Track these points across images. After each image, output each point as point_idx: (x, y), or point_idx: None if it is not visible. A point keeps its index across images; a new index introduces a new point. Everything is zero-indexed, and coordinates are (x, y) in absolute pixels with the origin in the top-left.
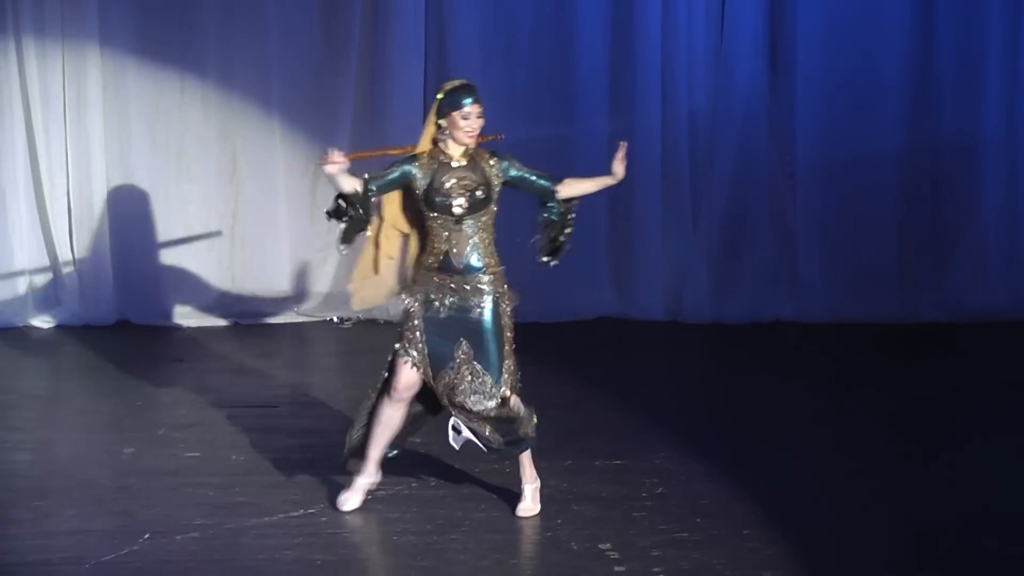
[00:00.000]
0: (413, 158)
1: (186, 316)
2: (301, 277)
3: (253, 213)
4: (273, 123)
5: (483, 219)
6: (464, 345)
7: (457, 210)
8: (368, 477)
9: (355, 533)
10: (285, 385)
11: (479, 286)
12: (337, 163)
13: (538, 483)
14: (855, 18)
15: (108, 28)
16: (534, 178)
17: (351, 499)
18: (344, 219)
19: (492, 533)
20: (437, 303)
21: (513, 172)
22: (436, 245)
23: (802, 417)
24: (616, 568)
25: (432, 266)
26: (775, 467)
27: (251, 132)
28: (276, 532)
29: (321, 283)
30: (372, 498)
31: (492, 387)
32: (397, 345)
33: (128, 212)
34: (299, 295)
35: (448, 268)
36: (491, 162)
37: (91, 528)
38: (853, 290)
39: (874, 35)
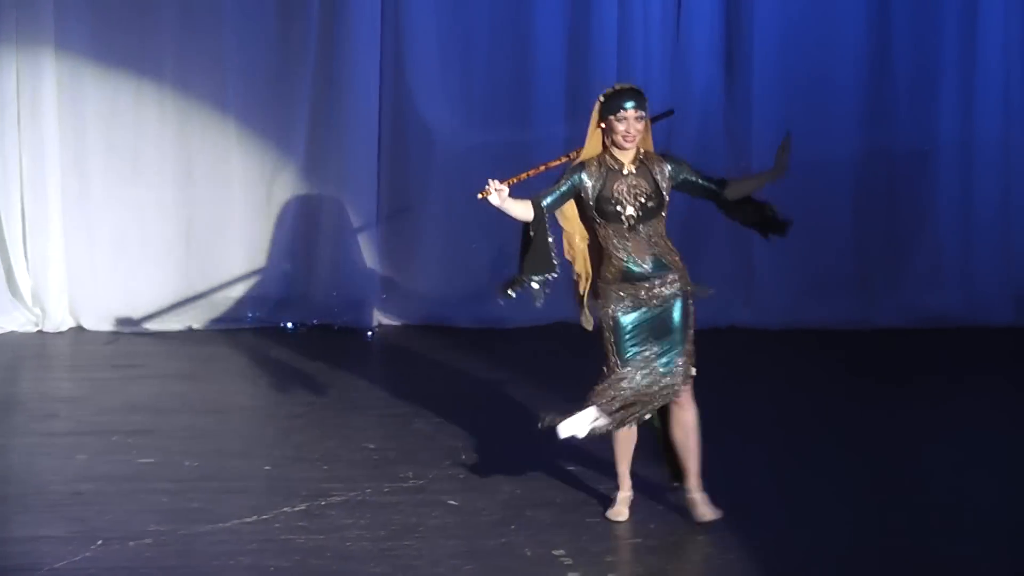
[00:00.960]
0: (581, 166)
1: (141, 322)
2: (256, 283)
3: (209, 218)
4: (229, 128)
5: (656, 224)
6: (655, 346)
7: (630, 220)
8: (626, 491)
9: (309, 539)
10: (240, 391)
11: (664, 288)
12: (499, 191)
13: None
14: (811, 22)
15: (64, 32)
16: (703, 182)
17: (621, 512)
18: (528, 253)
19: (447, 539)
20: (628, 311)
21: (682, 176)
22: (614, 255)
23: (759, 423)
24: (569, 574)
25: (615, 277)
26: (731, 473)
27: (207, 137)
28: (230, 538)
29: (276, 288)
30: (326, 503)
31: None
32: (605, 368)
33: (83, 217)
34: (254, 301)
35: (630, 277)
36: (662, 167)
37: (44, 535)
38: (809, 295)
39: (830, 39)
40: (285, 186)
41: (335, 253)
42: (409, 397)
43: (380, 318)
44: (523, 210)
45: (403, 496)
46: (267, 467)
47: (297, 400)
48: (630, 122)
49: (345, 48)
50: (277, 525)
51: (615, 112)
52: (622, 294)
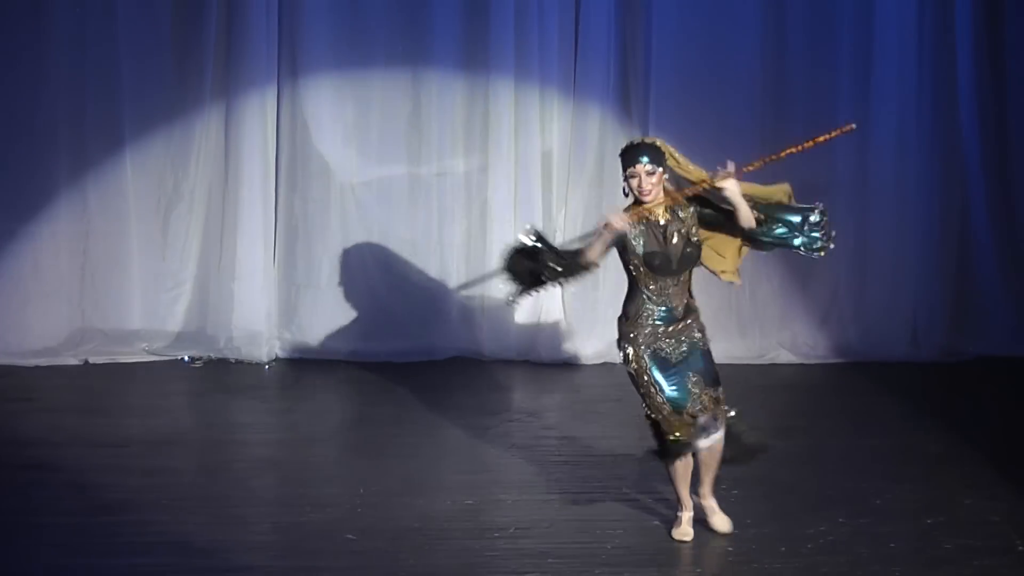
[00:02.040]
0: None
1: (35, 355)
2: (152, 315)
3: (104, 250)
4: (124, 161)
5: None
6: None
7: (674, 268)
8: (688, 511)
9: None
10: (135, 424)
11: (694, 330)
12: (623, 222)
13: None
14: (708, 63)
15: None
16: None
17: (685, 531)
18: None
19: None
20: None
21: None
22: (651, 298)
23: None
24: None
25: (649, 320)
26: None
27: (102, 170)
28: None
29: (172, 322)
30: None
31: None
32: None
33: None
34: (150, 333)
35: (667, 319)
36: (689, 211)
37: None
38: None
39: (725, 83)
40: (181, 218)
41: (231, 286)
42: (300, 429)
43: (277, 352)
44: (596, 255)
45: (302, 530)
46: (164, 501)
47: (193, 434)
48: (640, 178)
49: (241, 84)
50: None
51: (624, 169)
52: (654, 332)
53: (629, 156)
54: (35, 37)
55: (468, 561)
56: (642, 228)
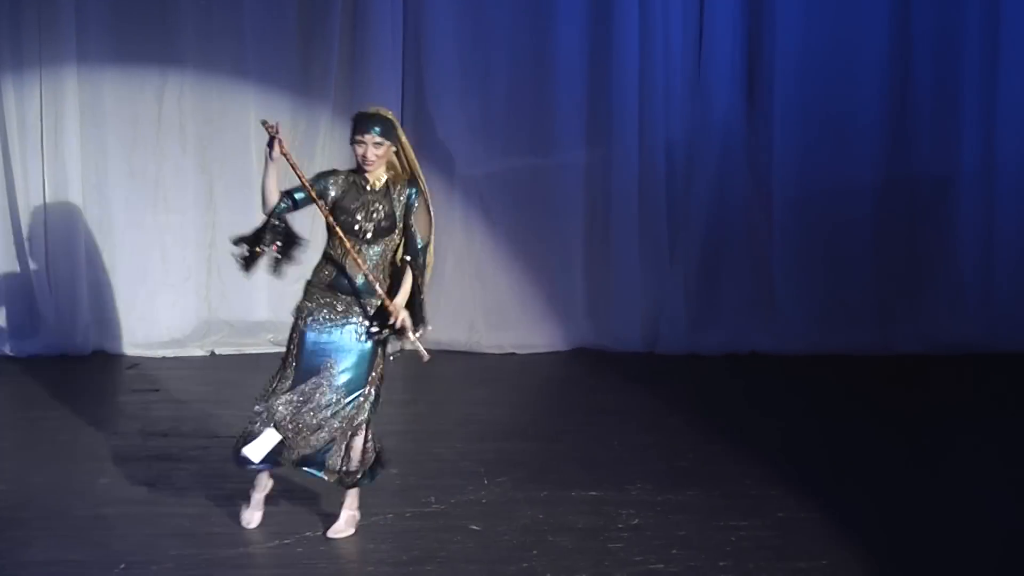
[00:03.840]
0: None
1: (162, 346)
2: (278, 306)
3: (229, 243)
4: (250, 151)
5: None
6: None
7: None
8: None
9: (331, 564)
10: None
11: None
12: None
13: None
14: (832, 51)
15: (85, 53)
16: (408, 235)
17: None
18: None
19: (468, 564)
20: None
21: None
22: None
23: (781, 448)
24: None
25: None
26: (753, 499)
27: (228, 160)
28: (251, 562)
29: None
30: None
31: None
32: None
33: (104, 242)
34: (276, 324)
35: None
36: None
37: (67, 558)
38: (830, 322)
39: (851, 68)
40: (306, 212)
41: None
42: (430, 422)
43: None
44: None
45: (425, 521)
46: (289, 491)
47: None
48: (368, 147)
49: (366, 76)
50: (299, 550)
51: (353, 136)
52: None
53: (360, 124)
54: (164, 30)
55: None
56: (346, 188)
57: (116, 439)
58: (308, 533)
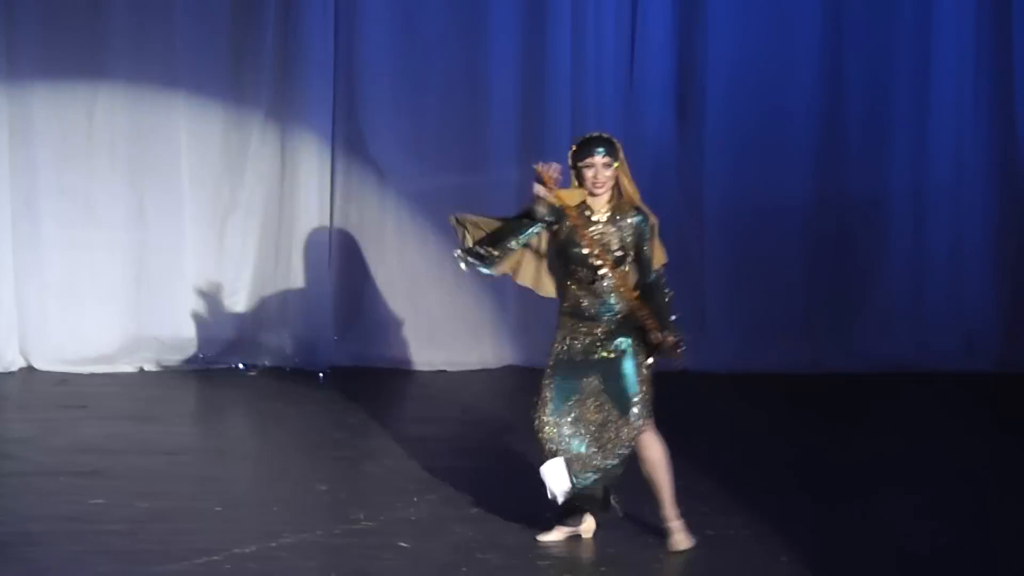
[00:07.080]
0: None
1: (91, 362)
2: (207, 323)
3: (159, 259)
4: (180, 167)
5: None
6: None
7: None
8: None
9: None
10: (189, 432)
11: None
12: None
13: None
14: (764, 69)
15: (15, 68)
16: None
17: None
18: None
19: None
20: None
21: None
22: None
23: (710, 467)
24: None
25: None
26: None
27: (159, 176)
28: None
29: (227, 329)
30: (277, 545)
31: None
32: None
33: (33, 258)
34: (204, 341)
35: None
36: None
37: None
38: (760, 341)
39: (783, 87)
40: (236, 226)
41: (287, 294)
42: (360, 439)
43: (332, 360)
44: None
45: (354, 538)
46: (218, 508)
47: (248, 441)
48: (597, 168)
49: (298, 92)
50: (228, 566)
51: (582, 159)
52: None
53: (586, 147)
54: (95, 44)
55: None
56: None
57: (44, 455)
58: (236, 550)
